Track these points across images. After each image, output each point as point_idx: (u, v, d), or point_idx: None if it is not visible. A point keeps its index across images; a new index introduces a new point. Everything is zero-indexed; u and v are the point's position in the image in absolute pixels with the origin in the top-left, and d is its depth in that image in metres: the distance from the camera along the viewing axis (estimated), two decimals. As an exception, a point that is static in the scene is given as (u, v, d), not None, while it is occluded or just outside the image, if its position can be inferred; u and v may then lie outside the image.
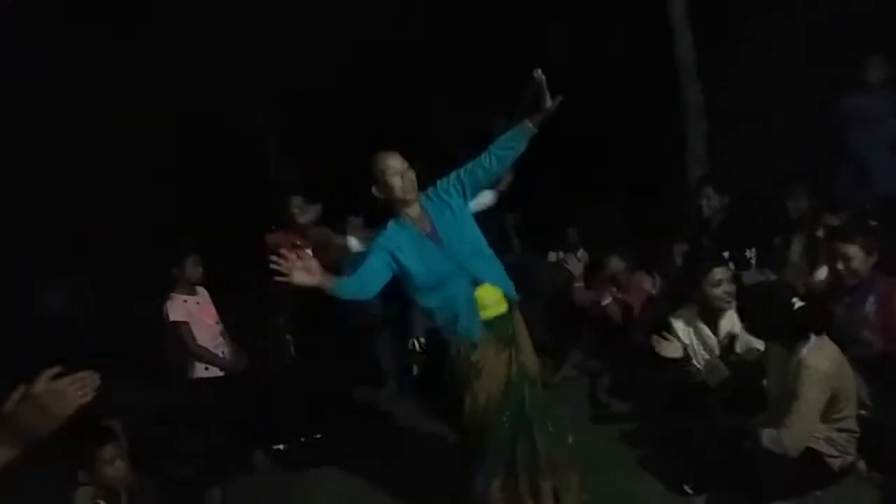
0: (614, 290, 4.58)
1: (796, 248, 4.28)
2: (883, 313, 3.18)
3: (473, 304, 2.88)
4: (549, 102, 2.76)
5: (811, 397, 2.74)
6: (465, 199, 2.98)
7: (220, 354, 4.16)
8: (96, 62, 7.07)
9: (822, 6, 5.70)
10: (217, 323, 4.25)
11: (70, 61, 6.99)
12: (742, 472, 2.89)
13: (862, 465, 2.96)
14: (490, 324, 2.91)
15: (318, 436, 4.35)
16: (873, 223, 3.95)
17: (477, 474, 2.95)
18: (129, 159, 7.50)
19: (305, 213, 4.64)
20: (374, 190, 2.95)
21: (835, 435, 2.85)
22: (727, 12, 6.03)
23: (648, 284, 4.55)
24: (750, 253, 4.29)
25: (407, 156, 2.94)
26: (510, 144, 2.86)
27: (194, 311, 4.14)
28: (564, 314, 4.77)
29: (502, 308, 2.95)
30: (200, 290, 4.27)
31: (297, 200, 4.66)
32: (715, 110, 5.88)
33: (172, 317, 4.05)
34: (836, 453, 2.87)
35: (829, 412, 2.81)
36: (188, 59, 7.13)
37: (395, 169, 2.89)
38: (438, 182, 3.00)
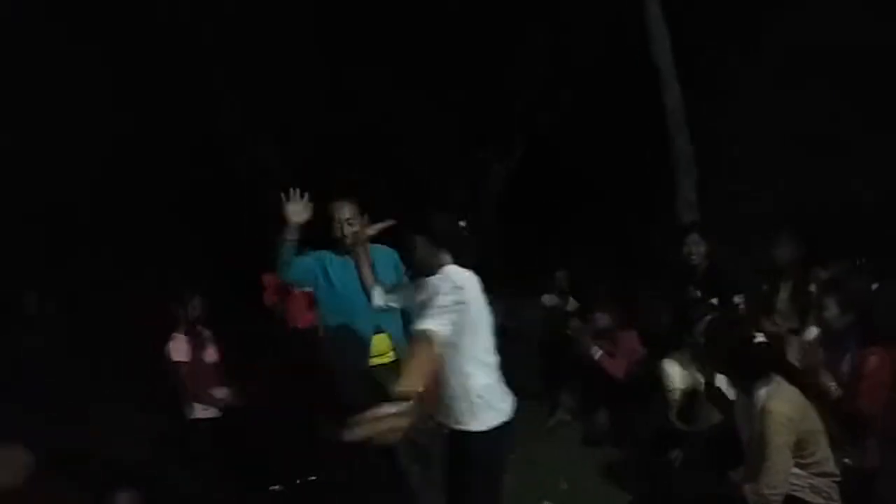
0: (603, 343, 4.65)
1: (783, 296, 4.38)
2: (858, 378, 3.21)
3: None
4: None
5: (779, 441, 2.78)
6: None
7: (219, 395, 4.22)
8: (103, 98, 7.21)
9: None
10: (218, 363, 4.31)
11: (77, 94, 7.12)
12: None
13: (846, 512, 3.01)
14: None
15: (314, 477, 4.38)
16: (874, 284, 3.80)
17: None
18: (132, 192, 7.58)
19: None
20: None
21: (816, 481, 2.89)
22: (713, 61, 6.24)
23: (637, 343, 4.63)
24: (739, 299, 4.36)
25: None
26: None
27: (196, 352, 4.20)
28: (556, 359, 4.84)
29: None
30: (203, 329, 4.33)
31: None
32: (705, 158, 6.05)
33: (174, 356, 4.12)
34: (821, 501, 2.90)
35: (800, 456, 2.86)
36: (199, 94, 7.30)
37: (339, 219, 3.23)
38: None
